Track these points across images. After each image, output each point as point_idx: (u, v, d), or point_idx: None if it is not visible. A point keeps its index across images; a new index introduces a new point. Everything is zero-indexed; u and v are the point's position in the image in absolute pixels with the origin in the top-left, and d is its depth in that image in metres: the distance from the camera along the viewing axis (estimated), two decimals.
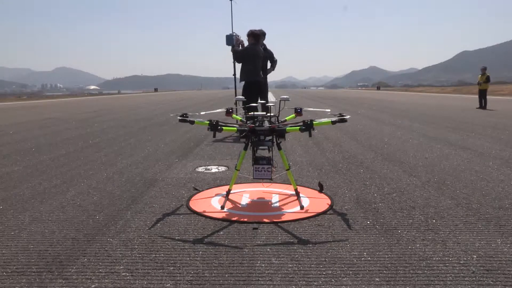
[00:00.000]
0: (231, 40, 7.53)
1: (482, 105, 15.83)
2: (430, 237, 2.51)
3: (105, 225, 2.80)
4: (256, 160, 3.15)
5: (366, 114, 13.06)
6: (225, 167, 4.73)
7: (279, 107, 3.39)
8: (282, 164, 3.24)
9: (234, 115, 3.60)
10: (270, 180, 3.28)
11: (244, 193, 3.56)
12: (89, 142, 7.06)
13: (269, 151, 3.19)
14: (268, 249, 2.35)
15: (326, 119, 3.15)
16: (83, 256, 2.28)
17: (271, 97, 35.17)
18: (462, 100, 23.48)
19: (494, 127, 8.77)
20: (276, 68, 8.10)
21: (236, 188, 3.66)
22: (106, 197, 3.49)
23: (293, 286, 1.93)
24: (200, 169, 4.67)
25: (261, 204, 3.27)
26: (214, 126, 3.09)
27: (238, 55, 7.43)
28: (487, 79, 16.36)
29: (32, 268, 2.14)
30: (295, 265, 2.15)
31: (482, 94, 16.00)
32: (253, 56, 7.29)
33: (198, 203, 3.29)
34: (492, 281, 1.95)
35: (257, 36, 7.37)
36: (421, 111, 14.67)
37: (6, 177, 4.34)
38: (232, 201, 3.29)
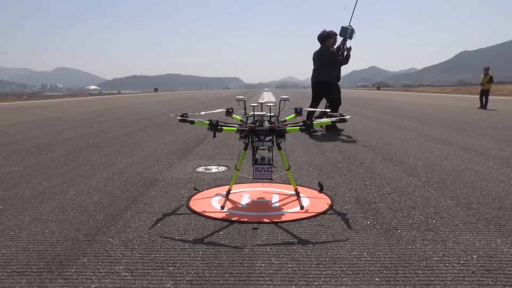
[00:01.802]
0: (345, 32, 7.63)
1: (483, 105, 15.84)
2: (430, 237, 2.51)
3: (105, 225, 2.80)
4: (256, 160, 3.15)
5: (366, 114, 13.06)
6: (225, 167, 4.73)
7: (279, 107, 3.39)
8: (282, 164, 3.24)
9: (234, 115, 3.60)
10: (270, 180, 3.28)
11: (244, 193, 3.56)
12: (89, 142, 7.06)
13: (269, 151, 3.19)
14: (268, 249, 2.35)
15: (326, 119, 3.15)
16: (83, 256, 2.28)
17: (270, 97, 35.19)
18: (462, 100, 23.49)
19: (495, 127, 8.77)
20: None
21: (236, 188, 3.66)
22: (106, 197, 3.49)
23: (293, 286, 1.93)
24: (200, 169, 4.67)
25: (261, 204, 3.27)
26: (214, 126, 3.09)
27: None
28: (490, 79, 16.36)
29: (32, 268, 2.14)
30: (295, 265, 2.15)
31: (484, 94, 15.99)
32: (314, 58, 7.94)
33: (198, 203, 3.29)
34: (492, 281, 1.95)
35: (321, 38, 7.83)
36: (421, 111, 14.67)
37: (6, 177, 4.34)
38: (232, 201, 3.29)
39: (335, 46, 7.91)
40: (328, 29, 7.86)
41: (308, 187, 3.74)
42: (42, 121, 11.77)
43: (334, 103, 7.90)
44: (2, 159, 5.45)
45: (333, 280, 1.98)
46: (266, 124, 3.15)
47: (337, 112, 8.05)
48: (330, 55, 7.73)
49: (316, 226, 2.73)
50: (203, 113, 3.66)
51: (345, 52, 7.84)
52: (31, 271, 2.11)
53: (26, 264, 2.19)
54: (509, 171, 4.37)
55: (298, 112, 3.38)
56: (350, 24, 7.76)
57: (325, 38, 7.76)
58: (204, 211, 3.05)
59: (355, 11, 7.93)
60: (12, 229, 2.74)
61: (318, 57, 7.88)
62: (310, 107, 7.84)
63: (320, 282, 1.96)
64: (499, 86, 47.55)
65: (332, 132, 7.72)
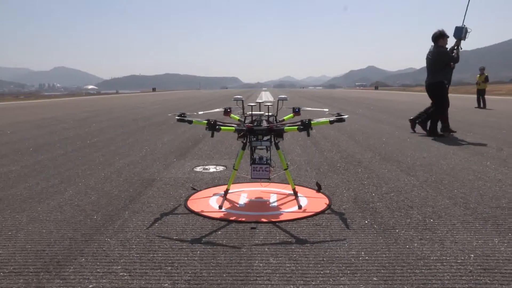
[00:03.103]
0: (460, 32, 7.26)
1: (481, 105, 15.88)
2: (427, 237, 2.51)
3: (103, 225, 2.79)
4: (254, 160, 3.15)
5: (364, 113, 13.07)
6: (223, 167, 4.73)
7: (277, 107, 3.39)
8: (280, 164, 3.24)
9: (232, 115, 3.60)
10: (268, 179, 3.28)
11: (242, 193, 3.56)
12: (87, 142, 7.05)
13: (267, 150, 3.19)
14: (266, 249, 2.35)
15: (324, 118, 3.15)
16: (80, 256, 2.28)
17: (269, 96, 35.16)
18: (461, 100, 23.52)
19: (492, 127, 8.79)
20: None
21: (234, 188, 3.65)
22: (104, 197, 3.49)
23: (291, 286, 1.93)
24: (198, 168, 4.67)
25: (259, 204, 3.27)
26: (212, 126, 3.09)
27: None
28: (486, 79, 16.46)
29: (29, 268, 2.14)
30: (293, 264, 2.15)
31: (481, 94, 16.06)
32: (426, 59, 7.58)
33: (196, 202, 3.29)
34: (489, 280, 1.96)
35: (433, 38, 7.45)
36: (420, 110, 14.66)
37: (3, 177, 4.33)
38: (230, 201, 3.29)
39: (448, 47, 7.47)
40: (441, 29, 7.42)
41: (306, 187, 3.74)
42: (40, 121, 11.74)
43: (437, 108, 7.49)
44: (0, 159, 5.43)
45: (331, 279, 1.98)
46: (264, 123, 3.15)
47: (446, 117, 7.46)
48: (438, 54, 7.33)
49: (314, 226, 2.73)
50: (201, 112, 3.66)
51: (456, 51, 7.39)
52: (29, 271, 2.10)
53: (23, 264, 2.19)
54: (506, 170, 4.39)
55: (296, 111, 3.38)
56: (464, 23, 7.33)
57: (438, 37, 7.35)
58: (202, 211, 3.05)
59: (467, 11, 7.45)
60: (9, 229, 2.73)
61: (427, 58, 7.53)
62: (428, 109, 7.62)
63: (318, 281, 1.96)
64: (496, 86, 47.65)
65: (437, 136, 7.31)
